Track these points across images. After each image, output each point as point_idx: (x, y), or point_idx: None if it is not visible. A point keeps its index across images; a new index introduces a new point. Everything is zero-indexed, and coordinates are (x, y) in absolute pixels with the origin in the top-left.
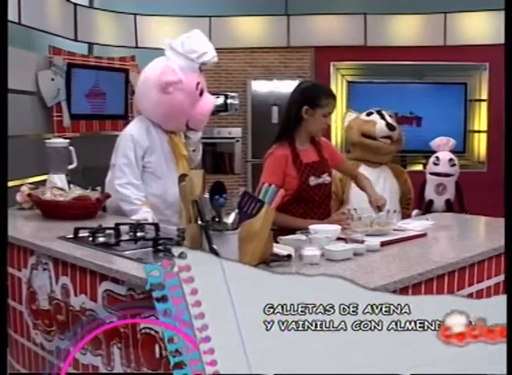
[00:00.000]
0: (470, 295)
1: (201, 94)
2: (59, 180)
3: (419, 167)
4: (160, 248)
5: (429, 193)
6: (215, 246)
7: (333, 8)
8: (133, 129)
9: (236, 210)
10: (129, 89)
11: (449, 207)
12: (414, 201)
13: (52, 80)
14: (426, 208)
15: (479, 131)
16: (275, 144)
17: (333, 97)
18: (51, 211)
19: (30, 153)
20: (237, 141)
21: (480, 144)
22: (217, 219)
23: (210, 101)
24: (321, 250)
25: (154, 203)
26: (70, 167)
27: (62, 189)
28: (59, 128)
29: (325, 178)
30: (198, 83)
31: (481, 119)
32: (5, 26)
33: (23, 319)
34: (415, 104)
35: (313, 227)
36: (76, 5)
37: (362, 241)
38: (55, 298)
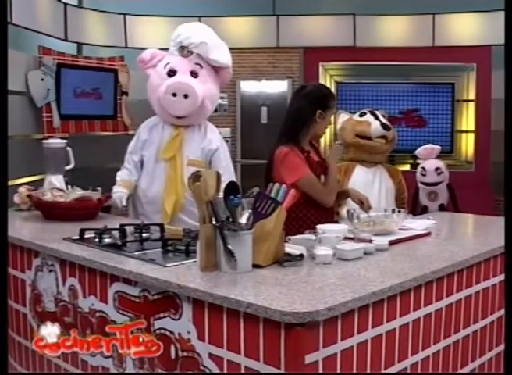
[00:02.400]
0: (477, 293)
1: (171, 74)
2: (57, 180)
3: (407, 167)
4: (169, 248)
5: (423, 200)
6: (230, 246)
7: (322, 9)
8: (144, 123)
9: (250, 210)
10: (119, 89)
11: (444, 211)
12: (408, 207)
13: (42, 80)
14: (421, 213)
15: (467, 131)
16: (282, 145)
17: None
18: (53, 212)
19: (20, 154)
20: (226, 141)
21: (467, 144)
22: (231, 219)
23: (170, 80)
24: (333, 249)
25: (139, 195)
26: (68, 168)
27: (61, 190)
28: (49, 129)
29: None
30: (167, 64)
31: (468, 119)
32: (5, 29)
33: (26, 321)
34: (403, 104)
35: (321, 227)
36: (66, 4)
37: (370, 241)
38: (62, 300)
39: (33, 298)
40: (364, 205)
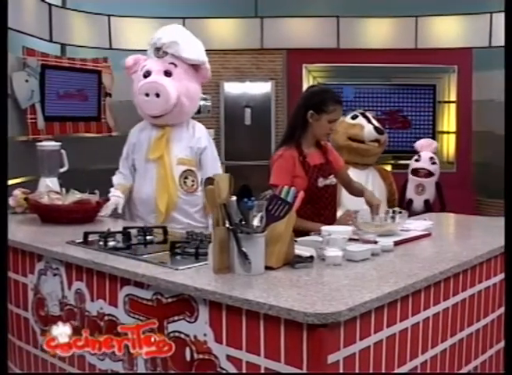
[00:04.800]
0: (479, 292)
1: (147, 76)
2: (51, 183)
3: (388, 168)
4: (177, 251)
5: (409, 193)
6: (244, 249)
7: (306, 11)
8: (134, 127)
9: (262, 212)
10: (102, 91)
11: (428, 207)
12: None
13: (26, 81)
14: (406, 207)
15: (448, 132)
16: (282, 146)
17: (340, 103)
18: (52, 215)
19: None
20: None
21: (449, 145)
22: (243, 222)
23: (143, 81)
24: (342, 251)
25: (134, 197)
26: (62, 170)
27: (58, 193)
28: (33, 130)
29: (332, 179)
30: (144, 66)
31: (450, 121)
32: (5, 33)
33: (28, 325)
34: (386, 105)
35: (326, 228)
36: (50, 5)
37: (375, 242)
38: (68, 304)
39: (35, 302)
40: (372, 209)
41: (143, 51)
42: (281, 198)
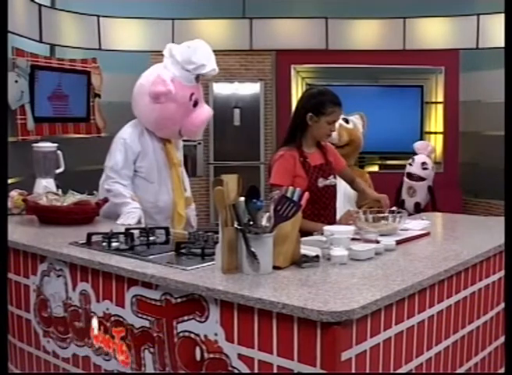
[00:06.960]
0: (479, 290)
1: (196, 104)
2: (47, 184)
3: (375, 168)
4: (183, 251)
5: (403, 194)
6: (252, 249)
7: (295, 12)
8: (126, 133)
9: (270, 213)
10: (91, 91)
11: (418, 209)
12: (391, 200)
13: (16, 82)
14: (398, 207)
15: (435, 132)
16: (283, 147)
17: (338, 105)
18: (51, 216)
19: None
20: (199, 143)
21: (436, 145)
22: (251, 222)
23: (203, 113)
24: (347, 250)
25: (145, 208)
26: (58, 171)
27: (56, 194)
28: (23, 131)
29: (332, 180)
30: (192, 94)
31: (437, 121)
32: (5, 34)
33: (30, 327)
34: (373, 106)
35: (328, 228)
36: (40, 5)
37: (377, 241)
38: (72, 305)
39: (38, 303)
40: (381, 203)
41: (132, 52)
42: (289, 198)
